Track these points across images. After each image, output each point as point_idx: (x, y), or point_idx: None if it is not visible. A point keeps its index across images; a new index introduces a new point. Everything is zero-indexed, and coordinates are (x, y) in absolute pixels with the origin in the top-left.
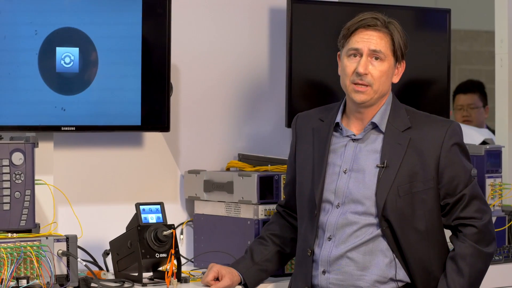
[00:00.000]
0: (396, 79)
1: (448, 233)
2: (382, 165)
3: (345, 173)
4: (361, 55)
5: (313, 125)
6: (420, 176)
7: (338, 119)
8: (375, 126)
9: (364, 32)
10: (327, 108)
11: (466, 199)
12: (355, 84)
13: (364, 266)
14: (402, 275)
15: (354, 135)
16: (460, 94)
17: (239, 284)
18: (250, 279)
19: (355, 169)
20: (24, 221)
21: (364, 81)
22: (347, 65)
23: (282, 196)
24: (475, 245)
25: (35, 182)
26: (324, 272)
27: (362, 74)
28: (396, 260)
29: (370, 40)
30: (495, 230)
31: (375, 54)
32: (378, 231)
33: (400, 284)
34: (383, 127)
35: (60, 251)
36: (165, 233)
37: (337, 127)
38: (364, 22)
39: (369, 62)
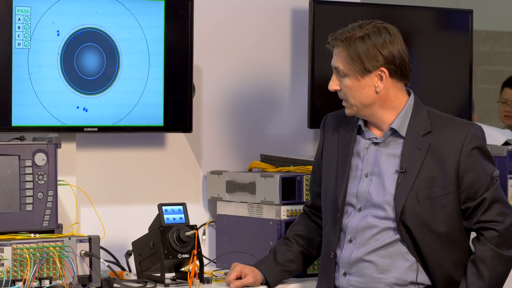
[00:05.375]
0: (379, 89)
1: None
2: (401, 170)
3: (366, 176)
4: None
5: (339, 126)
6: (439, 181)
7: (360, 121)
8: (394, 131)
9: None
10: None
11: (487, 203)
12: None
13: (384, 269)
14: (423, 278)
15: (376, 138)
16: (508, 88)
17: (261, 284)
18: (272, 279)
19: (376, 173)
20: (47, 222)
21: (341, 97)
22: None
23: (305, 197)
24: (496, 248)
25: (58, 182)
26: (345, 274)
27: (332, 91)
28: (418, 264)
29: (333, 57)
30: None
31: (338, 71)
32: (397, 236)
33: (421, 286)
34: (403, 132)
35: (83, 252)
36: (187, 233)
37: (360, 129)
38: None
39: (339, 78)
